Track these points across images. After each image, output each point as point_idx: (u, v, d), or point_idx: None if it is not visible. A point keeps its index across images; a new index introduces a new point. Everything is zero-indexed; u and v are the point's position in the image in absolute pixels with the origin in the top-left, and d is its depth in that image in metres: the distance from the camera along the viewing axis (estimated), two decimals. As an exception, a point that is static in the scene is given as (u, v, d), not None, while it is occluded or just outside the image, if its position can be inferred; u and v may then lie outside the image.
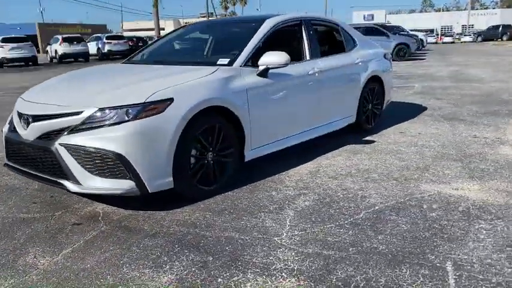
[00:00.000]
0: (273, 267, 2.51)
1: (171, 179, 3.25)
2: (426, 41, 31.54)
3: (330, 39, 5.48)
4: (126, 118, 3.07)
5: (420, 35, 27.98)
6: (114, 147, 3.01)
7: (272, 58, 3.90)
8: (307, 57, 4.69)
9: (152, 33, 49.06)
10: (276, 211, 3.29)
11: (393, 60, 19.12)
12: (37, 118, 3.25)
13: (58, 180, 3.18)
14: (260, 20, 4.41)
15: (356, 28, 19.40)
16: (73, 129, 3.09)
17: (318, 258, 2.58)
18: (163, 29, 79.86)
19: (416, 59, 20.67)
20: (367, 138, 5.39)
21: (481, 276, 2.34)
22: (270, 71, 4.01)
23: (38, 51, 34.94)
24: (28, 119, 3.31)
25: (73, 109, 3.15)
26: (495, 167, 4.17)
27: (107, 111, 3.09)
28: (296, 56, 4.65)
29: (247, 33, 4.24)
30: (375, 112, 5.81)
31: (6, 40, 24.08)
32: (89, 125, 3.08)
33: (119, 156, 3.01)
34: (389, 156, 4.62)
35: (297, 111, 4.38)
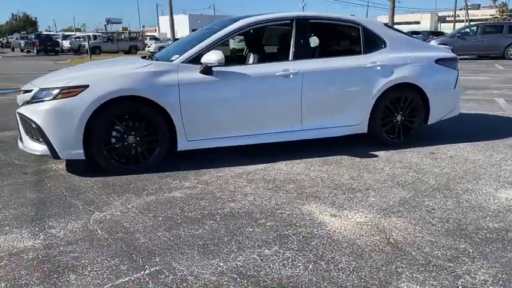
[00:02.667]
0: (45, 231, 2.98)
1: (82, 151, 3.95)
2: None
3: (339, 40, 5.06)
4: (50, 98, 3.92)
5: None
6: (35, 118, 3.91)
7: (209, 57, 4.11)
8: (290, 58, 4.57)
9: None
10: (144, 196, 3.63)
11: None
12: (22, 92, 4.42)
13: (18, 139, 4.30)
14: (232, 21, 4.56)
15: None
16: (27, 102, 4.12)
17: (82, 233, 2.92)
18: (418, 23, 76.93)
19: None
20: (375, 152, 4.82)
21: None
22: (217, 69, 4.21)
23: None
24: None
25: (30, 88, 4.18)
26: (439, 208, 3.35)
27: (43, 91, 4.00)
28: (275, 56, 4.62)
29: (215, 32, 4.49)
30: (408, 126, 5.05)
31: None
32: (33, 100, 4.05)
33: (36, 125, 3.90)
34: (350, 173, 4.15)
35: (251, 111, 4.39)
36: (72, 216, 3.21)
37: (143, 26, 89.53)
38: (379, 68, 4.76)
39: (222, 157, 4.59)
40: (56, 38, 43.11)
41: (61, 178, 4.06)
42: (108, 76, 4.05)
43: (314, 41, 4.96)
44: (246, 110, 4.38)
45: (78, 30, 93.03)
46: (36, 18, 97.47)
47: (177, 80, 4.11)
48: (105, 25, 76.57)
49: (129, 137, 4.09)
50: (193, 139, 4.27)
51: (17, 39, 46.08)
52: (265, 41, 5.39)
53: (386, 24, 5.14)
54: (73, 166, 4.36)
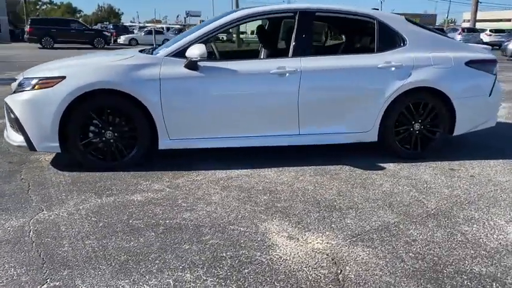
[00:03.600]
0: (-18, 227, 2.86)
1: (57, 144, 3.82)
2: None
3: (349, 35, 4.50)
4: (29, 88, 3.82)
5: None
6: (14, 107, 3.83)
7: (192, 51, 3.81)
8: (290, 55, 4.14)
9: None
10: (104, 196, 3.42)
11: None
12: (14, 80, 4.39)
13: (5, 128, 4.27)
14: (226, 14, 4.22)
15: None
16: (14, 92, 4.07)
17: (13, 234, 2.76)
18: (509, 20, 70.63)
19: None
20: (384, 164, 4.26)
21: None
22: (204, 64, 3.91)
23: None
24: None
25: (17, 77, 4.13)
26: (422, 240, 2.80)
27: (26, 80, 3.91)
28: (273, 52, 4.22)
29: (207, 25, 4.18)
30: (428, 136, 4.42)
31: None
32: (17, 89, 3.99)
33: (14, 115, 3.82)
34: (340, 188, 3.66)
35: (241, 111, 4.03)
36: (19, 213, 3.07)
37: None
38: (393, 68, 4.18)
39: (211, 158, 4.29)
40: (133, 29, 45.01)
41: (38, 170, 3.97)
42: (87, 68, 3.88)
43: (320, 37, 4.46)
44: (235, 110, 4.02)
45: (159, 22, 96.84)
46: (119, 9, 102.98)
47: (158, 74, 3.85)
48: (184, 17, 78.89)
49: (107, 133, 3.90)
50: (176, 138, 4.00)
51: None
52: (264, 35, 4.97)
53: (409, 20, 4.51)
54: (60, 159, 4.26)
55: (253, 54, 5.11)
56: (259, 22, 4.92)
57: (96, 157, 3.94)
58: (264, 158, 4.32)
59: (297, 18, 4.16)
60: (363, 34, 4.55)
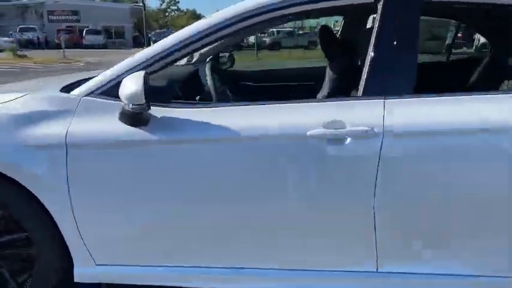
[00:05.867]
0: None
1: None
2: None
3: (496, 52, 1.97)
4: None
5: None
6: None
7: (123, 87, 1.70)
8: (360, 92, 1.80)
9: None
10: None
11: None
12: None
13: None
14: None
15: None
16: None
17: None
18: None
19: None
20: None
21: None
22: (163, 113, 1.79)
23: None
24: None
25: None
26: None
27: None
28: (317, 85, 1.95)
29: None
30: None
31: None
32: None
33: None
34: None
35: (242, 218, 1.82)
36: None
37: (336, 21, 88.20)
38: None
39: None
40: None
41: None
42: None
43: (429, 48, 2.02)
44: (228, 217, 1.83)
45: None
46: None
47: (64, 136, 1.80)
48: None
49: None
50: (103, 263, 1.94)
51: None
52: (329, 47, 2.62)
53: None
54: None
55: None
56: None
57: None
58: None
59: (379, 10, 1.79)
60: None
